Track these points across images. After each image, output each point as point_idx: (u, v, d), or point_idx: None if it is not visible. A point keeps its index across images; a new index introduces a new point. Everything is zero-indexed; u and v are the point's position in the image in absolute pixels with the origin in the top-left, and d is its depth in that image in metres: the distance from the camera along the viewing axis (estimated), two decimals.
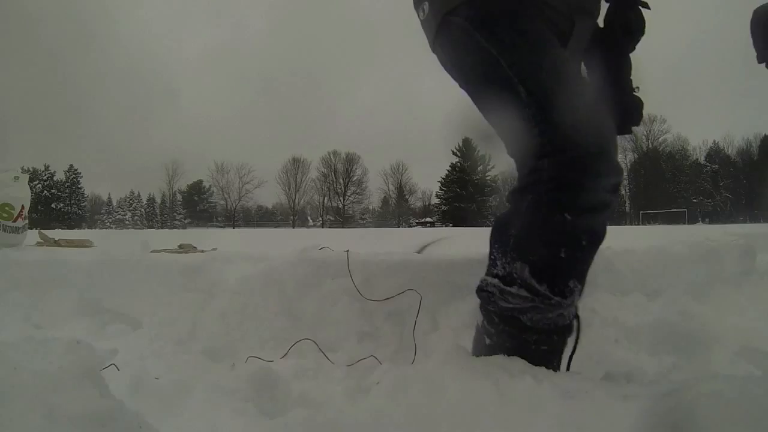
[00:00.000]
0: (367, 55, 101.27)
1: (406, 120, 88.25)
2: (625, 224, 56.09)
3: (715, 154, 64.63)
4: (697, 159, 65.24)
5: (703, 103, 77.87)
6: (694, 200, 60.79)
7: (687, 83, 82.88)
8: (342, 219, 69.51)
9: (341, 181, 72.27)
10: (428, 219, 68.15)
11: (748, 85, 77.31)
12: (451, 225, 58.16)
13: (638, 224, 52.85)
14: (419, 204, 75.59)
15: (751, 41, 1.36)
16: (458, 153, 66.75)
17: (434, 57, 1.49)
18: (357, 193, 72.77)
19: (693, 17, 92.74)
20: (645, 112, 1.49)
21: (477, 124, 1.47)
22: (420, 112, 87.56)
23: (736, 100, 76.77)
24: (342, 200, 72.15)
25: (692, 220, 54.51)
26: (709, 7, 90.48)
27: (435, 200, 72.18)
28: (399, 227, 58.86)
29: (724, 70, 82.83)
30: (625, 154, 66.94)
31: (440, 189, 69.30)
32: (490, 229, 1.37)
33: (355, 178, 71.92)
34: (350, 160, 71.62)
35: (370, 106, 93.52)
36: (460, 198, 65.11)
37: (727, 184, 61.88)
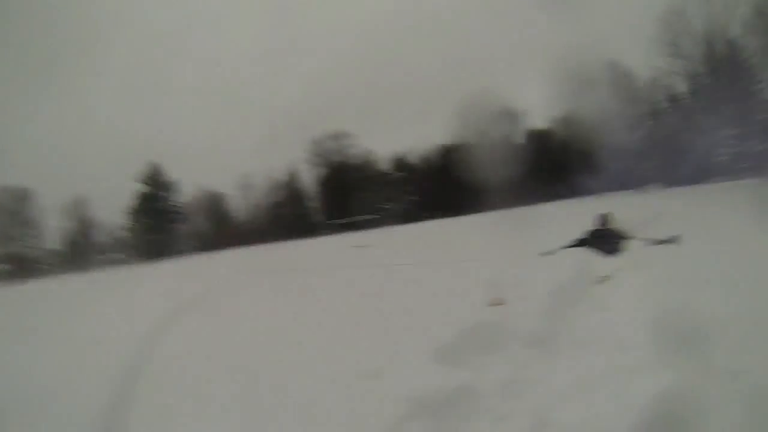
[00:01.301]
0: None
1: (83, 145, 75.75)
2: (322, 235, 57.96)
3: (401, 163, 70.23)
4: (383, 169, 69.89)
5: (391, 121, 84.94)
6: (387, 207, 65.28)
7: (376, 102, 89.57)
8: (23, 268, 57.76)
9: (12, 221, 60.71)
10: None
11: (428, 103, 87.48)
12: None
13: (333, 234, 54.62)
14: (107, 239, 67.85)
15: None
16: (148, 181, 62.22)
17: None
18: (33, 236, 62.07)
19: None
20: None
21: None
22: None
23: (419, 118, 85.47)
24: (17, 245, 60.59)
25: (385, 224, 58.36)
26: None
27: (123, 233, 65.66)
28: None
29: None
30: (315, 169, 70.81)
31: (128, 221, 63.66)
32: None
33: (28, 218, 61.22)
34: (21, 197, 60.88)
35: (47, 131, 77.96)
36: (151, 229, 60.27)
37: (411, 188, 66.70)
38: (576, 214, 21.00)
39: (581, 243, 8.91)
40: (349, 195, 65.28)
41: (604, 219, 9.44)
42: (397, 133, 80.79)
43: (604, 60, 50.23)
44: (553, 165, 58.40)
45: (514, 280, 6.45)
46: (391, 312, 6.36)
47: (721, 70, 32.16)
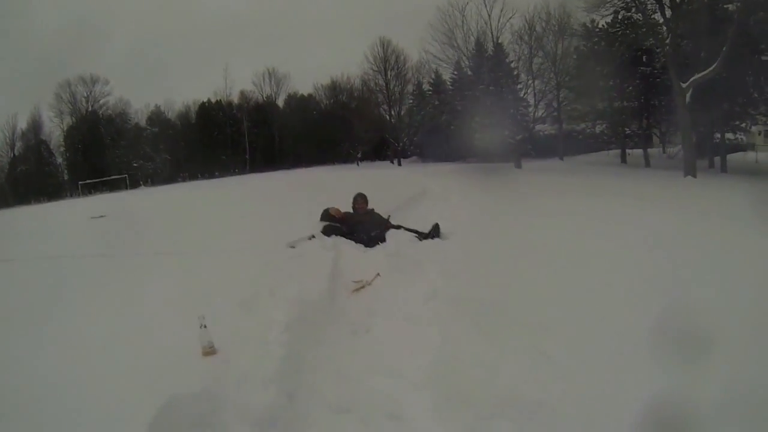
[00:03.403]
0: None
1: None
2: (66, 198, 50.83)
3: (156, 117, 64.41)
4: (138, 123, 63.21)
5: (149, 68, 76.72)
6: (135, 164, 57.43)
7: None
8: None
9: None
10: None
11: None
12: None
13: (79, 196, 47.95)
14: None
15: None
16: None
17: None
18: None
19: None
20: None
21: None
22: None
23: (177, 68, 78.96)
24: None
25: (134, 185, 52.95)
26: None
27: None
28: None
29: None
30: (61, 118, 59.91)
31: None
32: None
33: None
34: None
35: None
36: None
37: (166, 146, 60.78)
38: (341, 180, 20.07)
39: (333, 230, 7.00)
40: (99, 151, 57.61)
41: (361, 201, 7.73)
42: (155, 84, 74.23)
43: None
44: (314, 131, 58.55)
45: (239, 296, 4.43)
46: None
47: (485, 66, 34.27)
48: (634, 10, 24.47)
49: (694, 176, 20.26)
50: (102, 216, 15.34)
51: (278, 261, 5.71)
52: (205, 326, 3.27)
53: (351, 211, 7.61)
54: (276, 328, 3.41)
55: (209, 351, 3.21)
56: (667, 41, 22.22)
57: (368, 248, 6.57)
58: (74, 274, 6.45)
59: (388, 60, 51.17)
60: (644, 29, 24.79)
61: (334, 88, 62.59)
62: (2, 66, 59.67)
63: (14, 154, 58.74)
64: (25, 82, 57.36)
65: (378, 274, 5.06)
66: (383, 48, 51.08)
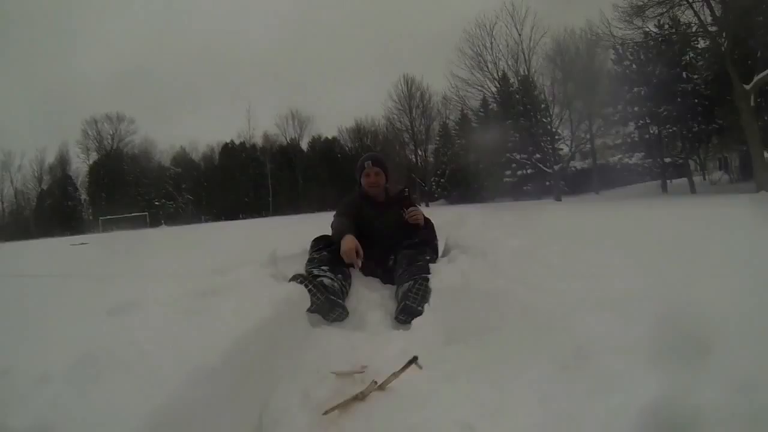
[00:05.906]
0: None
1: None
2: (88, 233, 50.23)
3: (181, 157, 64.37)
4: (161, 162, 62.91)
5: (173, 109, 77.19)
6: (157, 203, 57.70)
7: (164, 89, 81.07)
8: None
9: None
10: None
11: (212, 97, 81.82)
12: None
13: (100, 232, 47.30)
14: None
15: None
16: None
17: None
18: None
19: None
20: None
21: None
22: None
23: (202, 109, 79.21)
24: None
25: (155, 224, 52.22)
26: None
27: None
28: None
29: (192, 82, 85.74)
30: (87, 154, 60.86)
31: None
32: None
33: None
34: None
35: None
36: None
37: (189, 186, 61.32)
38: None
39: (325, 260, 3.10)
40: (122, 188, 57.42)
41: (376, 169, 3.85)
42: (179, 125, 74.55)
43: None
44: (339, 174, 57.14)
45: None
46: None
47: (513, 99, 32.40)
48: (682, 8, 21.86)
49: None
50: (83, 243, 15.73)
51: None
52: None
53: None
54: None
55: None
56: (724, 39, 20.09)
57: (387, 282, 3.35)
58: None
59: (412, 97, 49.85)
60: (695, 30, 22.79)
61: (359, 131, 61.53)
62: (34, 101, 60.55)
63: (41, 189, 59.16)
64: (55, 117, 57.85)
65: (415, 359, 1.84)
66: (407, 85, 49.85)
